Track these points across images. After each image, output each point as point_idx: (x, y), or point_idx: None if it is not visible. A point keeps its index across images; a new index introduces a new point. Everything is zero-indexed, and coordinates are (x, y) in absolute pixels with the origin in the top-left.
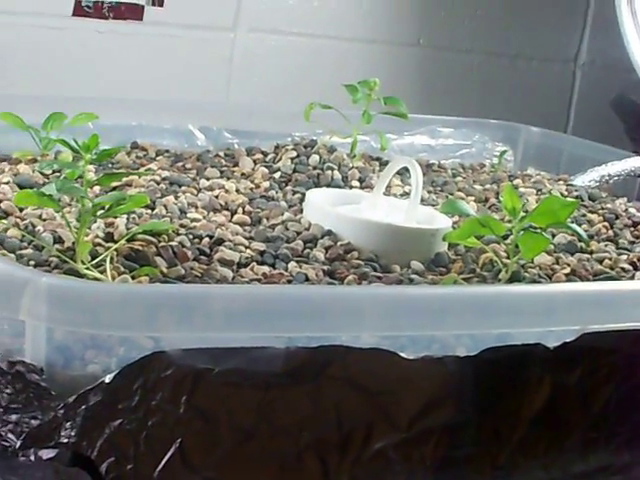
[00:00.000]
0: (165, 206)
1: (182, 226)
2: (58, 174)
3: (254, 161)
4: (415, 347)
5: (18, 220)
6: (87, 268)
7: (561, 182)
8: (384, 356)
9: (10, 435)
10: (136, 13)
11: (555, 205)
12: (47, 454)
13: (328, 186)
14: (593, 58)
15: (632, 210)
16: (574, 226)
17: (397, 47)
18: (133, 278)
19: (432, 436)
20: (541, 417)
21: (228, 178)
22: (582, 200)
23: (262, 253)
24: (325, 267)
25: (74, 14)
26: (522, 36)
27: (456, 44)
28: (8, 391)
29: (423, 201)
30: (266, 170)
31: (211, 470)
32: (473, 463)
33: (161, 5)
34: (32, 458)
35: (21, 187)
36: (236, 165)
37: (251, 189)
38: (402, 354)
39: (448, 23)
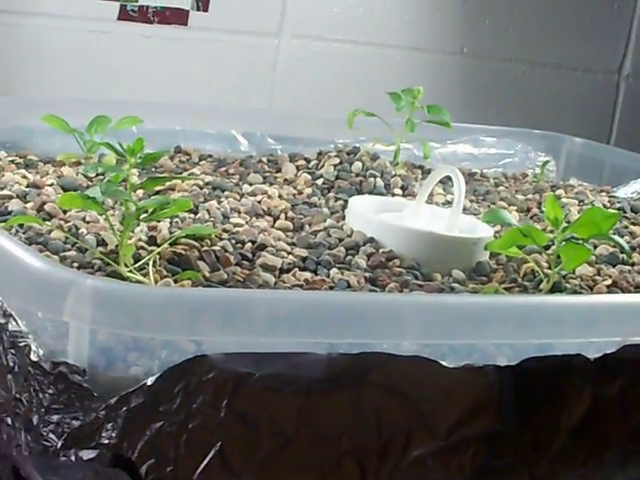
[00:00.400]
0: (208, 211)
1: (225, 231)
2: (102, 177)
3: (297, 167)
4: (455, 356)
5: (62, 222)
6: (130, 271)
7: (603, 193)
8: (424, 364)
9: (51, 435)
10: (181, 18)
11: (597, 216)
12: (88, 455)
13: (370, 193)
14: (637, 69)
15: None
16: (616, 237)
17: (441, 55)
18: (176, 282)
19: (471, 445)
20: (580, 428)
21: (271, 184)
22: (624, 212)
23: (304, 259)
24: (367, 274)
25: (119, 18)
26: (566, 46)
27: (500, 53)
28: (50, 391)
29: (465, 210)
30: (309, 176)
31: (250, 474)
32: (511, 473)
33: (206, 10)
34: (73, 458)
35: (65, 189)
36: (279, 171)
37: (294, 195)
38: (442, 362)
39: (492, 32)
